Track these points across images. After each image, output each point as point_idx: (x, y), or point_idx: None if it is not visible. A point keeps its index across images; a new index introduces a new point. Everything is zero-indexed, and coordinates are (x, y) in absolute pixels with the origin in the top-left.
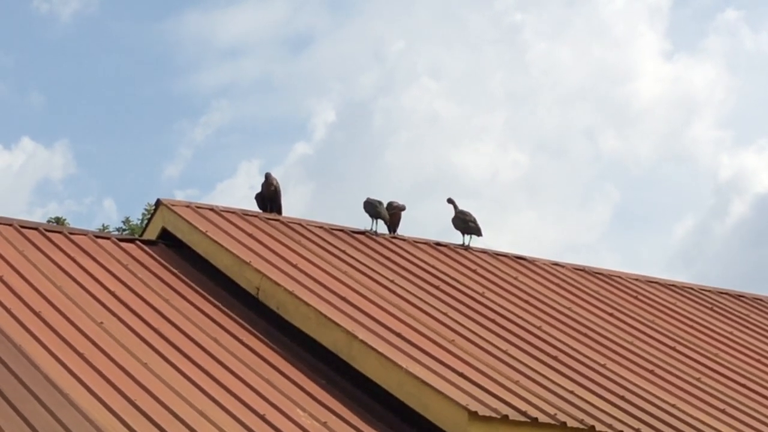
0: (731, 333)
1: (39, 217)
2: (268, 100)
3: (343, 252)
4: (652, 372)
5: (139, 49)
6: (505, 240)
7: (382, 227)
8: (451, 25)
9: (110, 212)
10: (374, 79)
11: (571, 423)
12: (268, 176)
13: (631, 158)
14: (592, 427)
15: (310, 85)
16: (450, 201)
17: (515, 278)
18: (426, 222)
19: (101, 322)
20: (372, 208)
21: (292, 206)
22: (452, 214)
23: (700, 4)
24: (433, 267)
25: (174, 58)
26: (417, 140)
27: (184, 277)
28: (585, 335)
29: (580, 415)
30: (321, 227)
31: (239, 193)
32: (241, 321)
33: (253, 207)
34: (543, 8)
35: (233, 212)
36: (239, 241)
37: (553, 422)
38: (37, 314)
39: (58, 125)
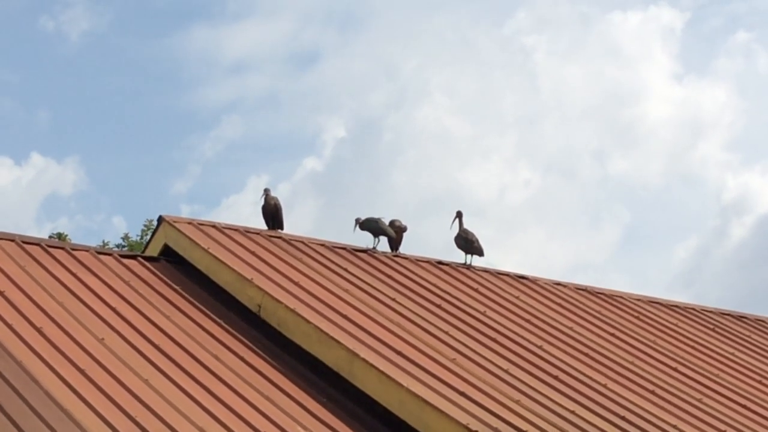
0: (733, 354)
1: (48, 232)
2: (275, 116)
3: (345, 270)
4: (653, 392)
5: (146, 65)
6: (512, 259)
7: (383, 244)
8: (462, 45)
9: (120, 228)
10: (383, 97)
11: None
12: (266, 193)
13: (641, 179)
14: None
15: (317, 101)
16: (458, 214)
17: (517, 297)
18: (430, 240)
19: (102, 339)
20: (374, 224)
21: (300, 221)
22: (456, 227)
23: (712, 25)
24: (434, 285)
25: (180, 74)
26: (425, 158)
27: (185, 294)
28: (586, 355)
29: None
30: (323, 245)
31: (246, 210)
32: (242, 338)
33: (259, 222)
34: (556, 29)
35: (235, 229)
36: (241, 258)
37: None
38: (38, 330)
39: (66, 141)
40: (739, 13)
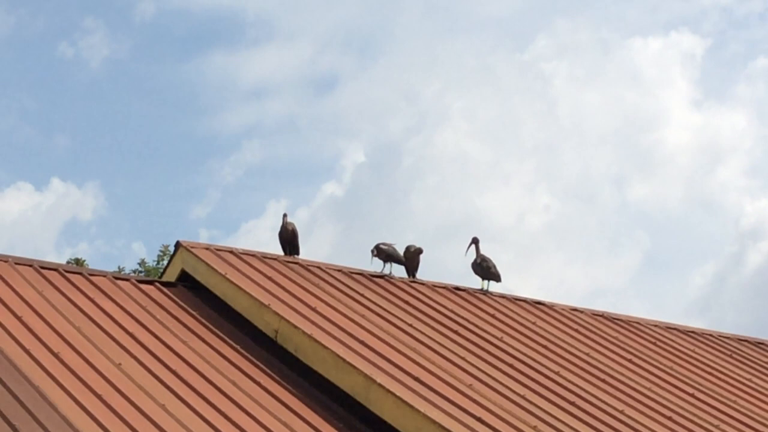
0: (750, 380)
1: (68, 257)
2: (294, 141)
3: (362, 295)
4: (670, 419)
5: (165, 90)
6: (531, 285)
7: (400, 270)
8: (481, 71)
9: (139, 253)
10: (402, 122)
11: None
12: (284, 218)
13: (660, 205)
14: None
15: (336, 126)
16: (474, 241)
17: (534, 323)
18: (448, 265)
19: (119, 364)
20: (387, 250)
21: (319, 246)
22: (472, 253)
23: (732, 51)
24: (451, 311)
25: (199, 99)
26: (444, 183)
27: (202, 319)
28: (603, 381)
29: None
30: (340, 270)
31: (265, 235)
32: (259, 363)
33: (277, 248)
34: (576, 55)
35: (252, 255)
36: (258, 284)
37: None
38: (56, 355)
39: (86, 167)
40: (759, 38)
